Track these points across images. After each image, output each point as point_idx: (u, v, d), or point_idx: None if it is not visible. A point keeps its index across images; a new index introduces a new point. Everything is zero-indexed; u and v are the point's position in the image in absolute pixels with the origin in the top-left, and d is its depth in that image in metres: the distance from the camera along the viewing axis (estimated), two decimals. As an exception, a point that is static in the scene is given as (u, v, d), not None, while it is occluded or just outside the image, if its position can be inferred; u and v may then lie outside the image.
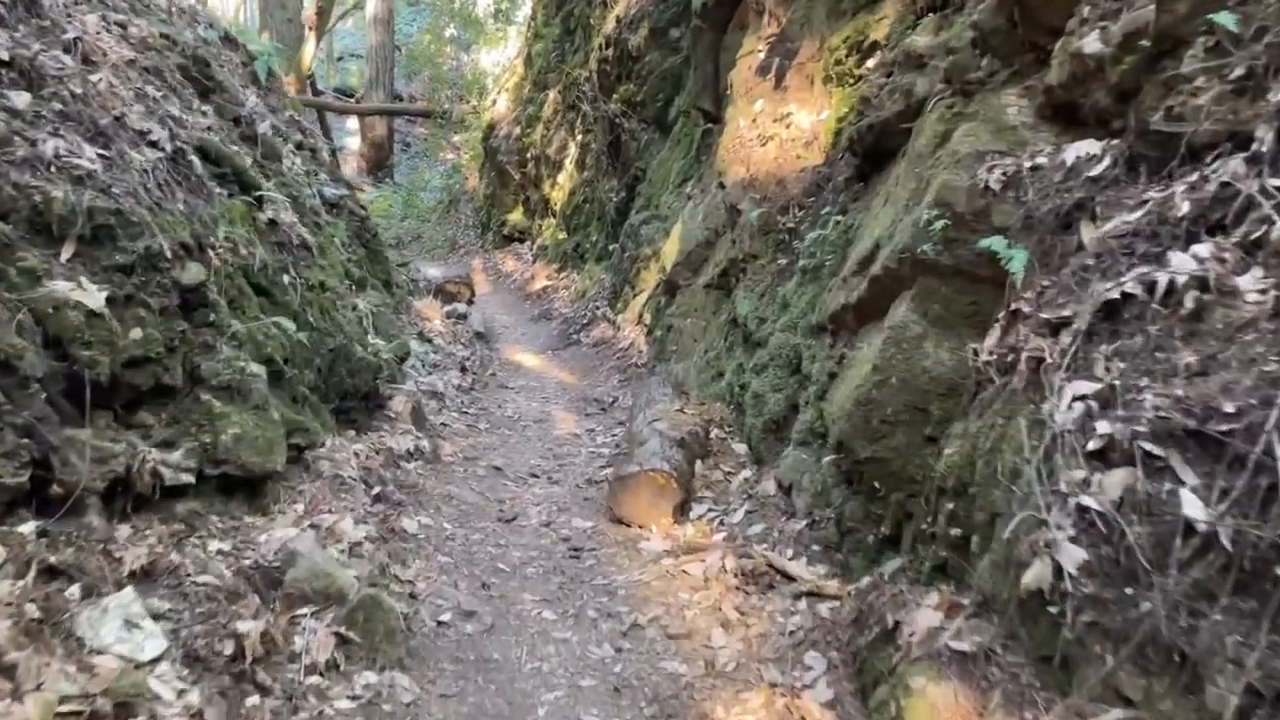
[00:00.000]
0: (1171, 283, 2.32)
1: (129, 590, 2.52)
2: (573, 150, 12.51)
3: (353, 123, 23.35)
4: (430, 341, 7.40)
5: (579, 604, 3.63)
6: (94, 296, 2.87)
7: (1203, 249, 2.33)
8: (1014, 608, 2.35)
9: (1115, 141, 2.95)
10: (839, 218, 4.55)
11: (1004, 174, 3.27)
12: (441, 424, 5.77)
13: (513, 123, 15.09)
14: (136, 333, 3.01)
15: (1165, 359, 2.23)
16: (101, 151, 3.30)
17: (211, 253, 3.67)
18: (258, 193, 4.49)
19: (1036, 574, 2.20)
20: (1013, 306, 2.96)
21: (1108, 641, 2.00)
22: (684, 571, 3.90)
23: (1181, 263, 2.35)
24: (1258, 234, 2.25)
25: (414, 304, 8.47)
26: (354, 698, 2.70)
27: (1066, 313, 2.62)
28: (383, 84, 21.28)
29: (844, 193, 4.81)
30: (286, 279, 4.45)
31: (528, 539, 4.29)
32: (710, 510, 4.38)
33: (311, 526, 3.54)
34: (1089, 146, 3.02)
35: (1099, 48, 3.00)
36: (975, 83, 3.64)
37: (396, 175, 21.51)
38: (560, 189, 12.86)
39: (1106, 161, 2.90)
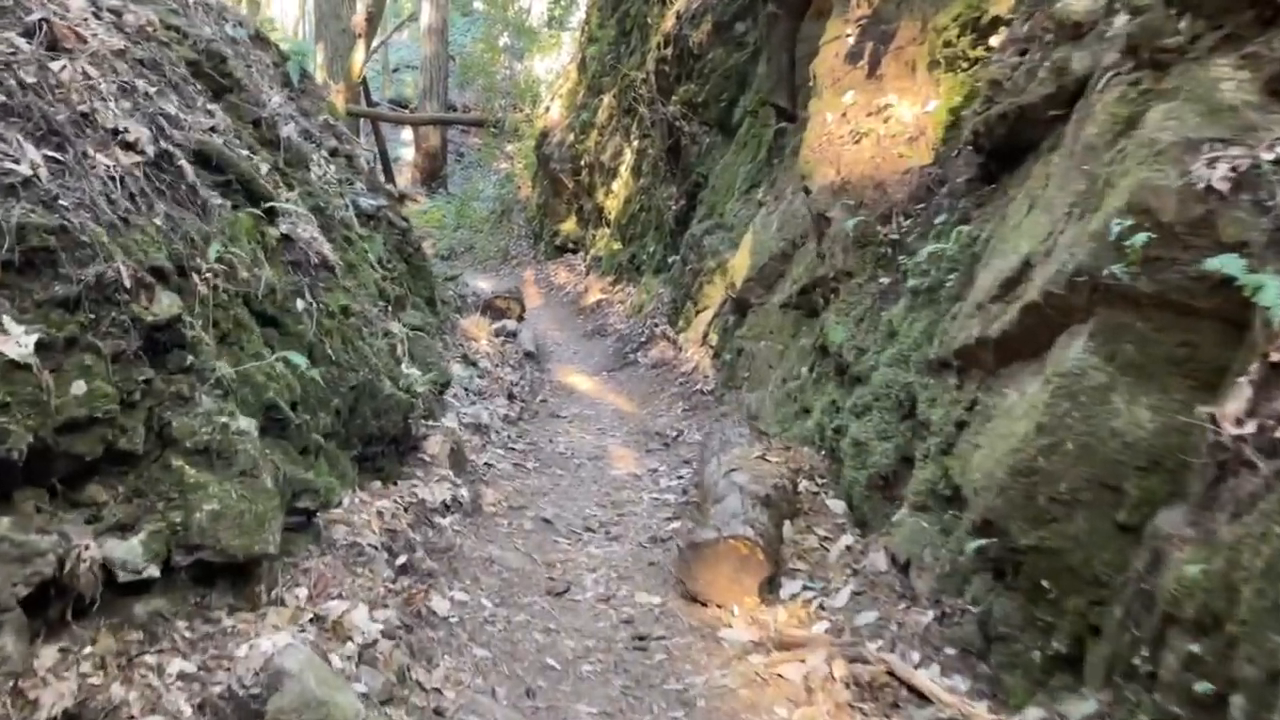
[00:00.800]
0: None
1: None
2: (628, 156, 11.73)
3: (407, 133, 23.04)
4: (475, 365, 6.66)
5: (648, 723, 2.80)
6: (16, 343, 2.14)
7: None
8: None
9: None
10: (966, 228, 3.65)
11: (1233, 170, 2.35)
12: (485, 464, 4.99)
13: (566, 129, 14.39)
14: (79, 386, 2.28)
15: None
16: (52, 154, 2.59)
17: (197, 278, 2.94)
18: (269, 204, 3.77)
19: None
20: (1272, 357, 2.04)
21: None
22: (778, 676, 3.04)
23: None
24: None
25: (460, 322, 7.75)
26: None
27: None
28: (437, 94, 20.91)
29: (964, 197, 3.90)
30: (301, 304, 3.72)
31: (583, 620, 3.48)
32: (806, 589, 3.50)
33: (313, 621, 2.78)
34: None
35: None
36: (1171, 51, 2.72)
37: (450, 185, 21.06)
38: (615, 197, 12.09)
39: None
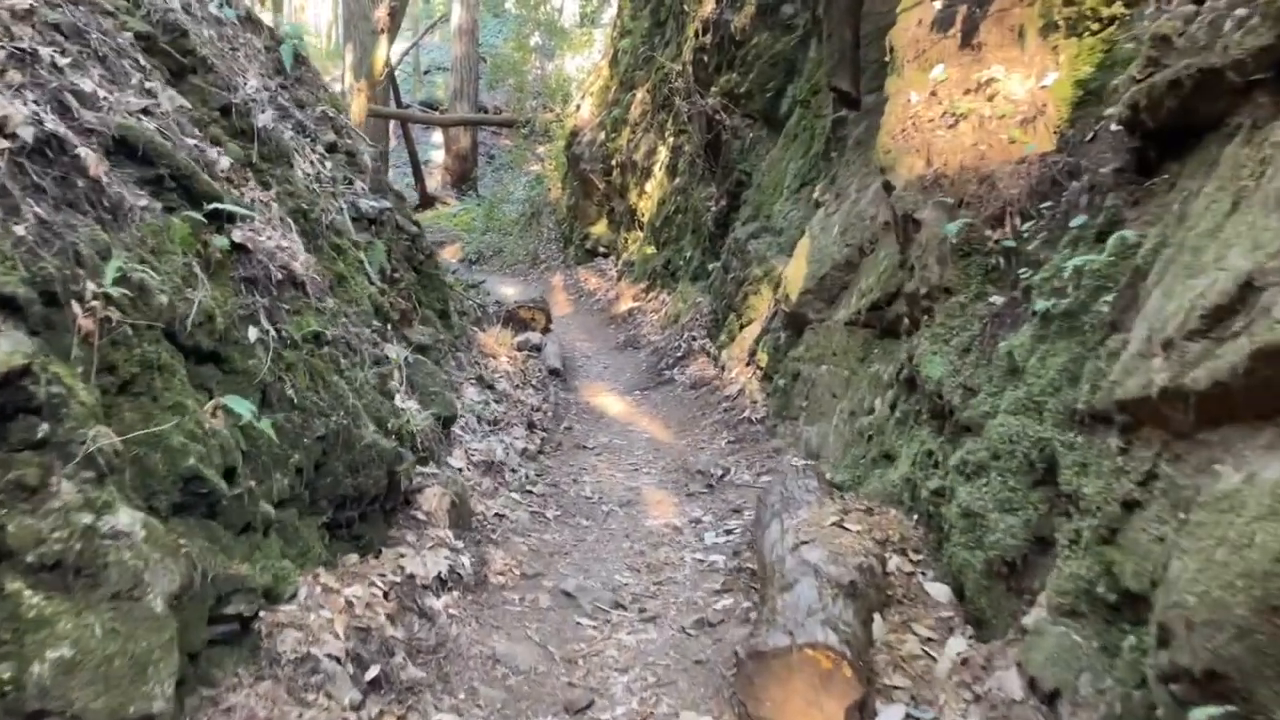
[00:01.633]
0: None
1: None
2: (663, 155, 10.82)
3: (438, 136, 22.40)
4: (492, 387, 5.80)
5: None
6: None
7: None
8: None
9: None
10: (1127, 234, 2.67)
11: None
12: (495, 515, 4.11)
13: (596, 128, 13.52)
14: None
15: None
16: None
17: (78, 307, 2.09)
18: (215, 205, 2.92)
19: None
20: None
21: None
22: None
23: None
24: None
25: (478, 336, 6.90)
26: None
27: None
28: (467, 95, 20.23)
29: (1112, 192, 2.93)
30: (254, 333, 2.86)
31: (610, 757, 2.58)
32: (910, 719, 2.57)
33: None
34: None
35: None
36: None
37: (481, 188, 20.37)
38: (648, 198, 11.19)
39: None
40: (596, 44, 19.23)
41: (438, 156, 22.46)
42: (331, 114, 5.63)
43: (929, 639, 2.85)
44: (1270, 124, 2.34)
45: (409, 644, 2.82)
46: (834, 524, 3.24)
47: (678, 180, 10.07)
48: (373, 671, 2.58)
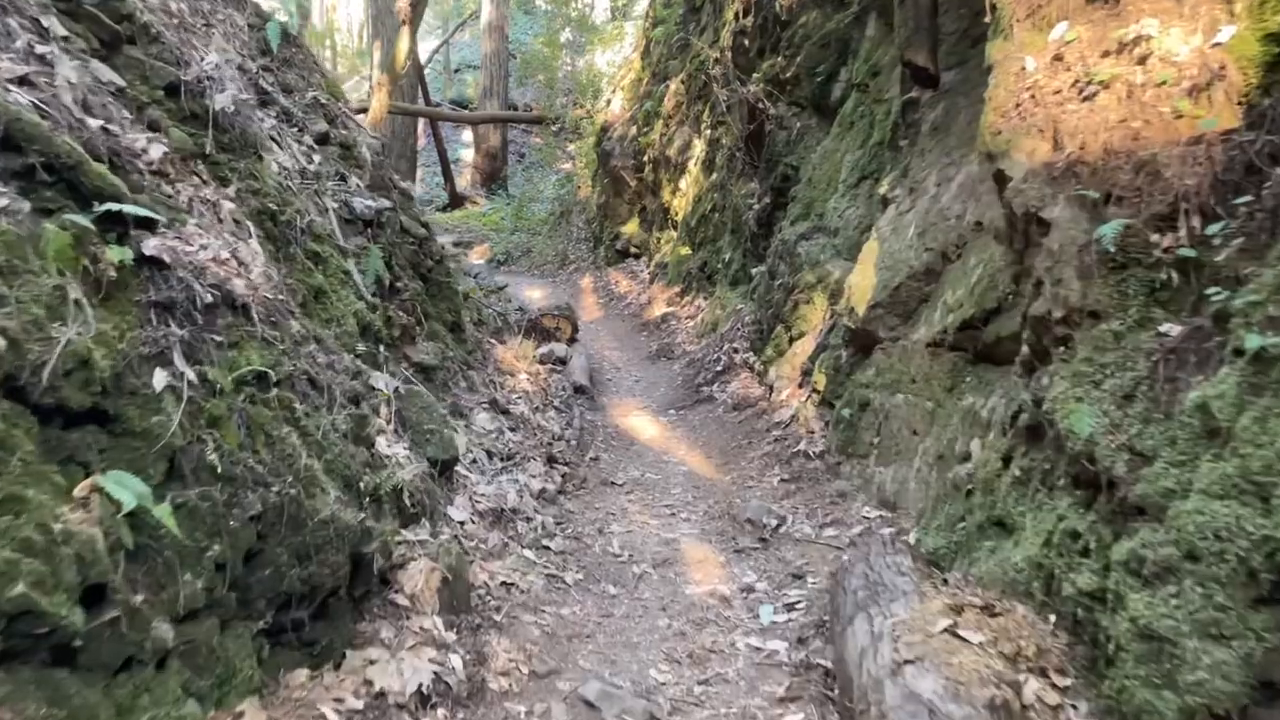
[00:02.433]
0: None
1: None
2: (698, 149, 9.95)
3: (468, 134, 21.73)
4: (507, 412, 4.99)
5: None
6: None
7: None
8: None
9: None
10: None
11: None
12: (501, 585, 3.29)
13: (627, 123, 12.68)
14: None
15: None
16: None
17: None
18: (111, 206, 2.13)
19: None
20: None
21: None
22: None
23: None
24: None
25: (496, 350, 6.10)
26: None
27: None
28: (497, 93, 19.54)
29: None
30: (162, 378, 2.07)
31: None
32: None
33: None
34: None
35: None
36: None
37: (511, 187, 19.67)
38: (683, 196, 10.32)
39: None
40: (628, 37, 18.36)
41: (468, 156, 21.84)
42: (325, 100, 4.85)
43: (1098, 819, 1.97)
44: None
45: (366, 810, 2.01)
46: (945, 631, 2.37)
47: (714, 176, 9.19)
48: None
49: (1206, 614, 1.95)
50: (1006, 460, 2.96)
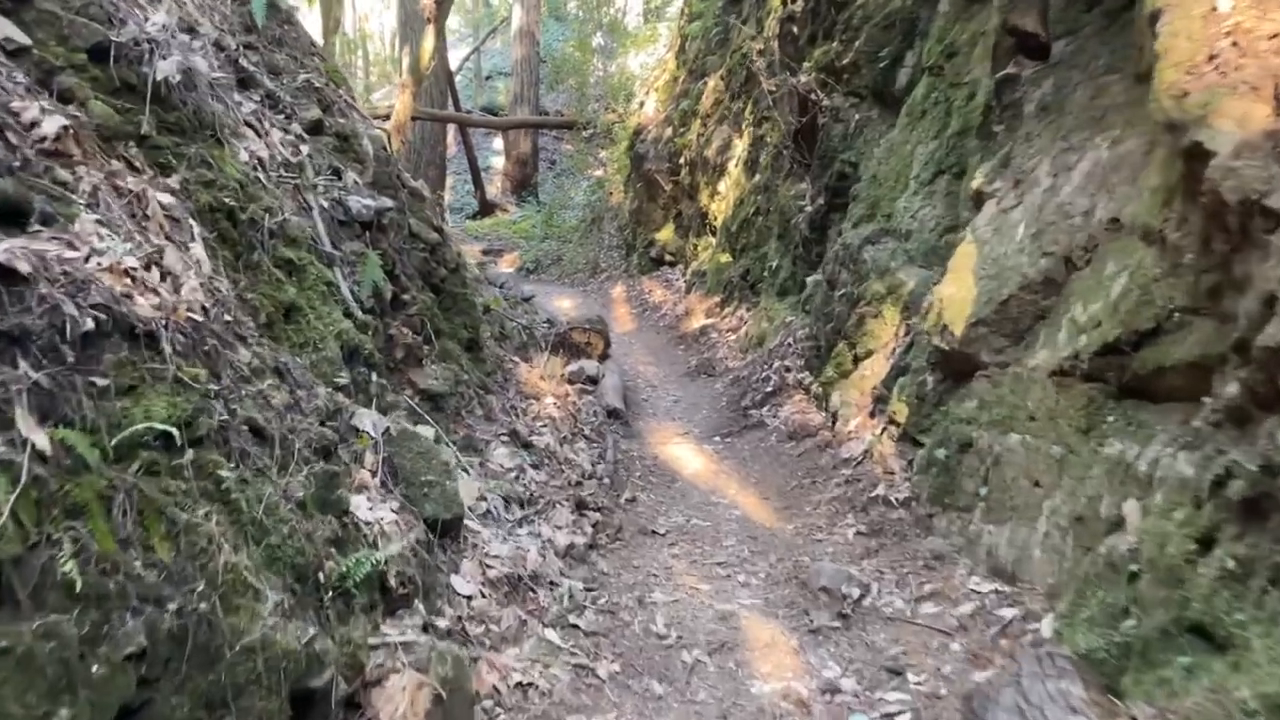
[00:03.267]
0: None
1: None
2: (739, 148, 9.15)
3: (499, 142, 21.18)
4: (530, 445, 4.23)
5: None
6: None
7: None
8: None
9: None
10: None
11: None
12: (516, 687, 2.51)
13: (662, 124, 11.92)
14: None
15: None
16: None
17: None
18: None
19: None
20: None
21: None
22: None
23: None
24: None
25: (519, 370, 5.35)
26: None
27: None
28: (528, 99, 18.95)
29: None
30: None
31: None
32: None
33: None
34: None
35: None
36: None
37: (541, 193, 19.05)
38: (722, 199, 9.52)
39: None
40: (661, 38, 17.62)
41: (498, 163, 21.31)
42: (321, 85, 4.14)
43: None
44: None
45: None
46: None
47: (758, 177, 8.37)
48: None
49: None
50: (1206, 542, 2.11)
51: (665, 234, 11.62)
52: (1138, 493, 2.55)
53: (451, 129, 18.50)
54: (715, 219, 9.70)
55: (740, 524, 4.05)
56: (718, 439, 5.50)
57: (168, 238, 2.22)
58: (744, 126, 9.01)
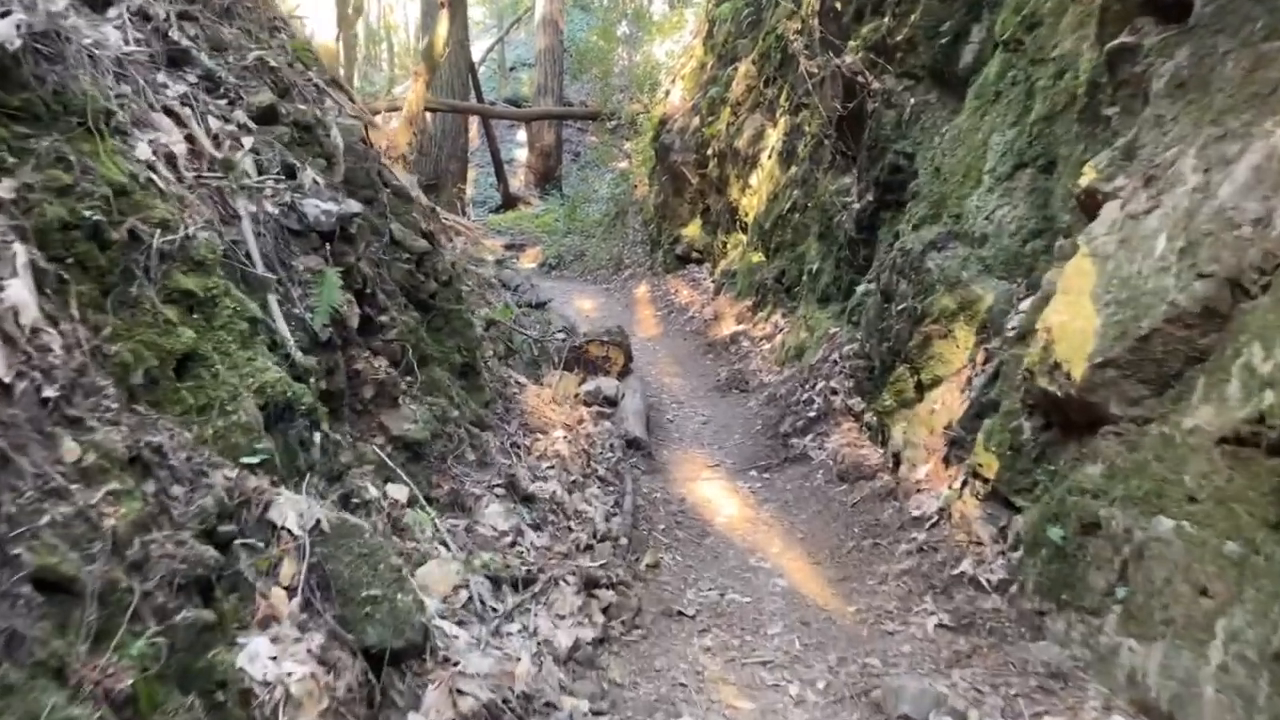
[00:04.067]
0: None
1: None
2: (773, 138, 8.27)
3: (523, 134, 20.40)
4: (531, 499, 3.46)
5: None
6: None
7: None
8: None
9: None
10: None
11: None
12: None
13: (689, 113, 11.05)
14: None
15: None
16: None
17: None
18: None
19: None
20: None
21: None
22: None
23: None
24: None
25: (526, 393, 4.58)
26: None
27: None
28: (552, 90, 18.15)
29: None
30: None
31: None
32: None
33: None
34: None
35: None
36: None
37: (565, 187, 18.31)
38: (754, 193, 8.66)
39: None
40: (688, 25, 16.70)
41: (522, 155, 20.59)
42: (278, 64, 3.37)
43: None
44: None
45: None
46: None
47: (795, 169, 7.51)
48: None
49: None
50: None
51: (692, 230, 10.78)
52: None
53: (475, 121, 17.79)
54: (746, 215, 8.85)
55: (787, 600, 3.24)
56: (754, 473, 4.69)
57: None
58: (779, 114, 8.13)
